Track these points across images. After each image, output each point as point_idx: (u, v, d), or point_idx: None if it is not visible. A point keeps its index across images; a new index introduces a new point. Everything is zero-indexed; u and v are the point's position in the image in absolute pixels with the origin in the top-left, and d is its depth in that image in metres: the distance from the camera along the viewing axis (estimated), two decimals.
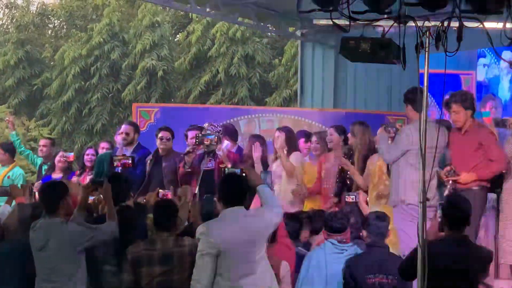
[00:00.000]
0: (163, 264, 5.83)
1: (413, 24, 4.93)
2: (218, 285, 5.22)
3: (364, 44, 5.06)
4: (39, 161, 10.73)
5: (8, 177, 10.44)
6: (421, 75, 5.15)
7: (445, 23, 4.89)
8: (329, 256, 6.41)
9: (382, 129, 7.89)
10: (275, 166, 8.99)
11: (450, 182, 7.31)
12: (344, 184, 8.55)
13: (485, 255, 5.67)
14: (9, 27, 24.42)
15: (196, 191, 8.30)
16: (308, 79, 13.54)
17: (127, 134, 9.43)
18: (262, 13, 12.61)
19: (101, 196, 6.61)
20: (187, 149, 9.07)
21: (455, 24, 4.93)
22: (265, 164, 9.03)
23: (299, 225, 7.29)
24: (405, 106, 7.52)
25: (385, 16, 5.05)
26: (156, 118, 11.22)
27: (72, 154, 10.43)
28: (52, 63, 23.54)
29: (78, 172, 9.94)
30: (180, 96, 21.88)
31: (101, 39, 21.78)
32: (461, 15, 4.85)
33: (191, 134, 9.14)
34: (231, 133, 9.49)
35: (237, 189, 5.40)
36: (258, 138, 9.38)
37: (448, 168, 7.33)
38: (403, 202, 7.22)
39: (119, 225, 6.11)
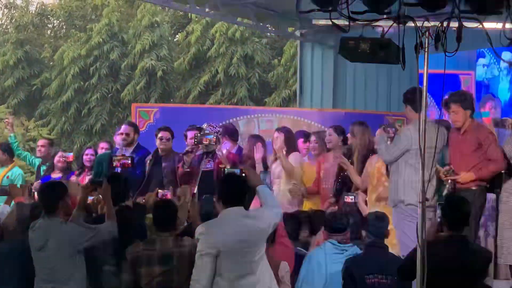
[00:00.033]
0: (163, 264, 5.84)
1: (413, 25, 4.93)
2: (217, 285, 5.21)
3: (363, 44, 5.06)
4: (37, 161, 10.73)
5: (7, 177, 10.43)
6: (421, 75, 5.15)
7: (445, 24, 4.89)
8: (329, 256, 6.40)
9: (381, 129, 7.88)
10: (274, 167, 8.99)
11: (449, 181, 7.30)
12: (344, 184, 8.54)
13: (485, 255, 5.67)
14: (8, 27, 24.42)
15: (195, 191, 8.30)
16: (307, 79, 13.54)
17: (127, 134, 9.42)
18: (261, 13, 12.60)
19: (100, 196, 6.62)
20: (186, 149, 9.07)
21: (454, 24, 4.93)
22: (265, 165, 9.03)
23: (298, 225, 7.29)
24: (404, 106, 7.52)
25: (385, 16, 5.05)
26: (155, 118, 11.21)
27: (71, 154, 10.44)
28: (51, 63, 23.54)
29: (77, 172, 9.94)
30: (179, 96, 21.88)
31: (100, 39, 21.78)
32: (461, 16, 4.85)
33: (190, 134, 9.14)
34: (231, 132, 9.49)
35: (236, 189, 5.39)
36: (258, 138, 9.38)
37: (447, 167, 7.33)
38: (403, 202, 7.22)
39: (119, 225, 6.11)
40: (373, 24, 5.09)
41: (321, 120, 11.37)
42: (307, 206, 8.74)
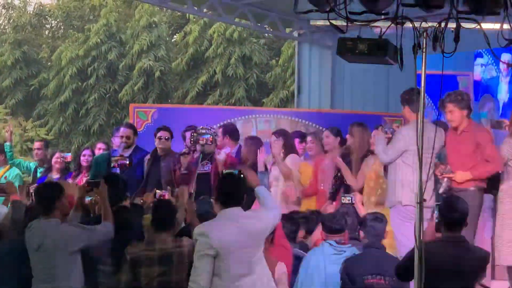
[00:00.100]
0: (162, 265, 5.84)
1: (410, 25, 4.93)
2: (215, 286, 5.20)
3: (361, 45, 5.05)
4: (32, 165, 10.74)
5: (5, 177, 10.42)
6: (418, 76, 5.15)
7: (442, 24, 4.89)
8: (328, 257, 6.40)
9: (378, 130, 7.88)
10: (273, 169, 8.99)
11: (445, 180, 7.30)
12: (341, 185, 8.54)
13: (482, 256, 5.66)
14: (6, 27, 24.44)
15: (192, 191, 8.30)
16: (305, 80, 13.55)
17: (127, 137, 9.42)
18: (259, 14, 12.62)
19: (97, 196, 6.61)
20: (183, 150, 9.07)
21: (452, 25, 4.93)
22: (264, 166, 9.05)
23: (296, 227, 7.28)
24: (402, 107, 7.52)
25: (382, 17, 5.04)
26: (153, 119, 11.21)
27: (69, 154, 10.43)
28: (49, 64, 23.55)
29: (74, 173, 9.93)
30: (177, 97, 21.89)
31: (98, 40, 21.80)
32: (458, 16, 4.84)
33: (189, 135, 9.13)
34: (232, 132, 9.48)
35: (235, 190, 5.39)
36: (253, 139, 9.39)
37: (443, 166, 7.33)
38: (400, 203, 7.22)
39: (116, 225, 6.11)
40: (371, 24, 5.08)
41: (319, 121, 11.38)
42: (304, 207, 8.74)
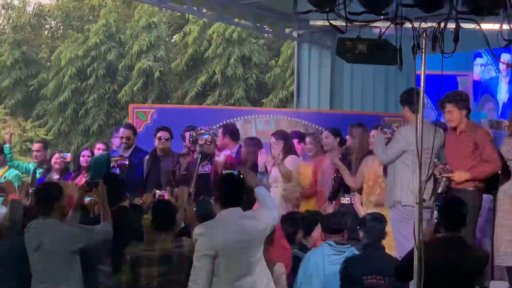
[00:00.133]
0: (162, 265, 5.84)
1: (410, 26, 4.93)
2: (215, 286, 5.20)
3: (360, 45, 5.06)
4: (31, 166, 10.73)
5: (5, 177, 10.41)
6: (418, 76, 5.15)
7: (442, 24, 4.89)
8: (327, 258, 6.40)
9: (378, 130, 7.88)
10: (273, 170, 8.99)
11: (444, 179, 7.30)
12: (340, 185, 8.54)
13: (481, 256, 5.67)
14: (6, 27, 24.43)
15: (191, 191, 8.29)
16: (305, 80, 13.55)
17: (127, 138, 9.42)
18: (258, 14, 12.62)
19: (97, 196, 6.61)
20: (183, 151, 9.07)
21: (451, 25, 4.93)
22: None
23: (295, 227, 7.28)
24: (401, 107, 7.52)
25: (382, 17, 5.05)
26: (152, 119, 11.21)
27: (69, 154, 10.42)
28: (48, 64, 23.55)
29: (74, 173, 9.93)
30: (176, 97, 21.90)
31: (98, 40, 21.79)
32: (458, 17, 4.84)
33: (188, 135, 9.13)
34: (232, 132, 9.47)
35: (234, 190, 5.39)
36: (253, 140, 9.38)
37: (442, 166, 7.33)
38: (400, 203, 7.22)
39: (115, 225, 6.11)
40: (370, 25, 5.09)
41: (318, 121, 11.38)
42: (303, 207, 8.73)
